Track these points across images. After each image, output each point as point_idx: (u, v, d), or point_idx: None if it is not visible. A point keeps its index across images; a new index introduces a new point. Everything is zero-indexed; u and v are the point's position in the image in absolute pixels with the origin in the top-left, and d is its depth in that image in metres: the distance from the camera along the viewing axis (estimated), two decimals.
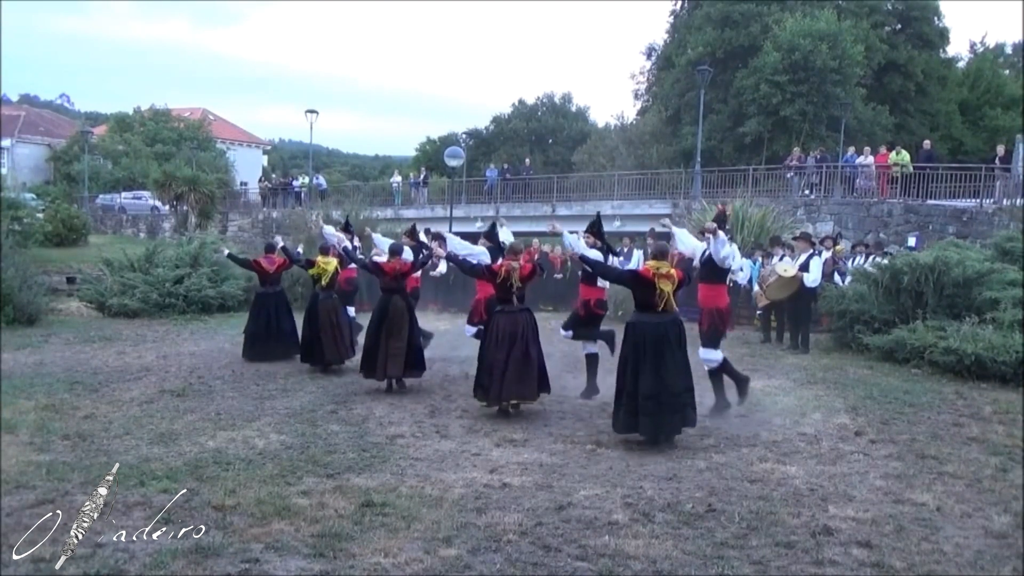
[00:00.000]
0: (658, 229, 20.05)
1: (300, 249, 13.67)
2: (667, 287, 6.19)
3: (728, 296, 7.82)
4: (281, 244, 10.67)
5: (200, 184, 29.12)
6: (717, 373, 7.43)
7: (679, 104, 35.12)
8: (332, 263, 9.42)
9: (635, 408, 6.15)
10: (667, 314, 6.30)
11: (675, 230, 8.01)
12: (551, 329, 11.57)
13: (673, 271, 6.30)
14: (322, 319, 9.24)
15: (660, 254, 6.49)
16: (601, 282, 7.97)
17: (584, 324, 8.12)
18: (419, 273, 9.66)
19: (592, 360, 8.17)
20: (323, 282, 9.41)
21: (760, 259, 12.80)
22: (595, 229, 7.95)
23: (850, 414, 7.32)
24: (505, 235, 9.29)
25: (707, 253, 7.31)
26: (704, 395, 7.25)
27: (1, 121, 42.97)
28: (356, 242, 10.81)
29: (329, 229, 10.79)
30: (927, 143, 23.12)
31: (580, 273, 8.35)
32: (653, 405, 6.09)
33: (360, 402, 7.72)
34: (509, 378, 6.98)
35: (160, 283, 14.27)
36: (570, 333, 8.24)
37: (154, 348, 10.83)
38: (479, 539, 4.32)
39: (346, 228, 10.62)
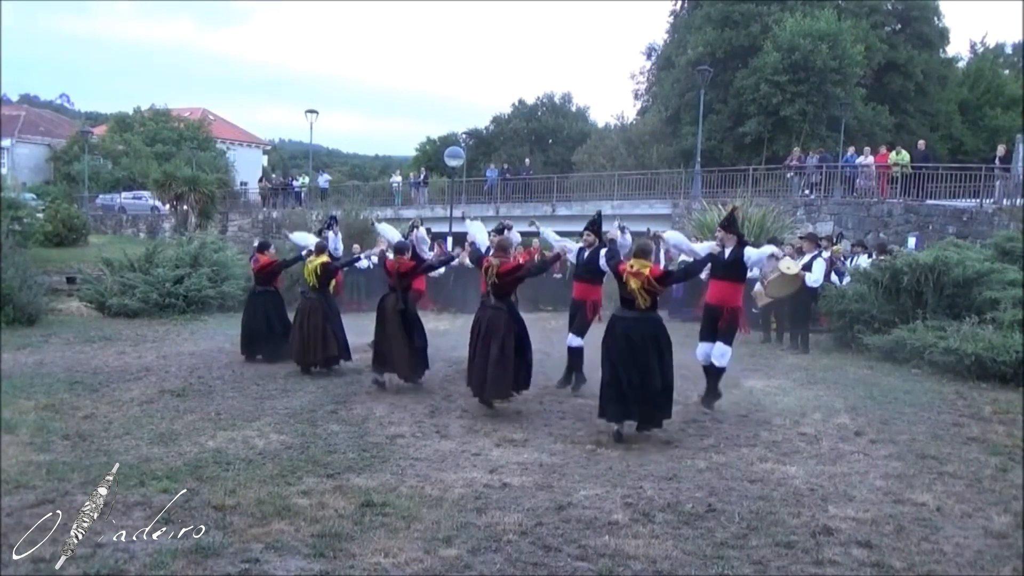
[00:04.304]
0: (655, 231, 20.07)
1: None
2: (633, 284, 6.28)
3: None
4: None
5: (200, 184, 29.11)
6: (718, 372, 7.44)
7: (679, 104, 35.10)
8: (314, 262, 9.18)
9: (623, 396, 6.25)
10: (644, 312, 6.36)
11: (667, 234, 7.78)
12: (551, 329, 11.61)
13: (645, 270, 6.31)
14: (297, 320, 9.15)
15: (641, 252, 6.55)
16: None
17: (579, 326, 8.09)
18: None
19: (577, 354, 8.19)
20: (309, 282, 9.24)
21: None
22: (595, 227, 8.08)
23: (850, 414, 7.32)
24: (513, 235, 9.25)
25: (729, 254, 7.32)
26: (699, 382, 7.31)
27: (1, 121, 42.99)
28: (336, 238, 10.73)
29: (297, 236, 10.74)
30: (922, 143, 23.13)
31: (578, 271, 8.24)
32: (638, 394, 6.21)
33: (360, 402, 7.72)
34: (487, 376, 7.04)
35: (160, 283, 14.26)
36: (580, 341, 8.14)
37: (154, 348, 10.82)
38: (479, 539, 4.32)
39: (329, 225, 10.59)
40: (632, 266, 6.37)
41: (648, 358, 6.24)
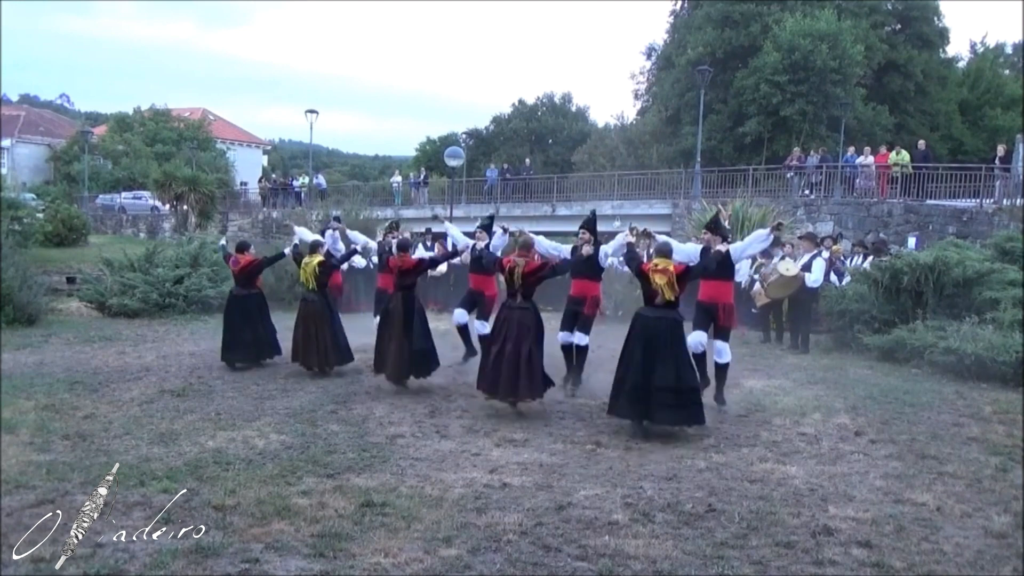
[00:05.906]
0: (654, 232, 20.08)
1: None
2: (660, 280, 6.51)
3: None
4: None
5: (200, 184, 29.13)
6: (724, 368, 7.67)
7: (679, 104, 35.10)
8: (311, 262, 9.00)
9: (639, 396, 6.36)
10: (667, 309, 6.58)
11: (661, 238, 7.88)
12: (551, 329, 11.59)
13: (670, 267, 6.59)
14: (300, 322, 8.99)
15: (661, 252, 6.84)
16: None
17: (584, 323, 8.09)
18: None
19: (581, 352, 8.16)
20: (307, 285, 9.08)
21: (758, 259, 12.76)
22: (591, 226, 8.06)
23: (850, 414, 7.32)
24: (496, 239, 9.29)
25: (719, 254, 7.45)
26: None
27: (1, 121, 43.01)
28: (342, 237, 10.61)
29: (302, 231, 10.61)
30: (922, 143, 23.16)
31: (576, 269, 8.21)
32: (671, 396, 6.33)
33: (360, 402, 7.71)
34: (519, 375, 6.95)
35: (160, 283, 14.25)
36: (574, 334, 8.08)
37: (154, 348, 10.82)
38: (479, 539, 4.32)
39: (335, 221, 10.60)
40: (657, 264, 6.62)
41: (665, 353, 6.39)
